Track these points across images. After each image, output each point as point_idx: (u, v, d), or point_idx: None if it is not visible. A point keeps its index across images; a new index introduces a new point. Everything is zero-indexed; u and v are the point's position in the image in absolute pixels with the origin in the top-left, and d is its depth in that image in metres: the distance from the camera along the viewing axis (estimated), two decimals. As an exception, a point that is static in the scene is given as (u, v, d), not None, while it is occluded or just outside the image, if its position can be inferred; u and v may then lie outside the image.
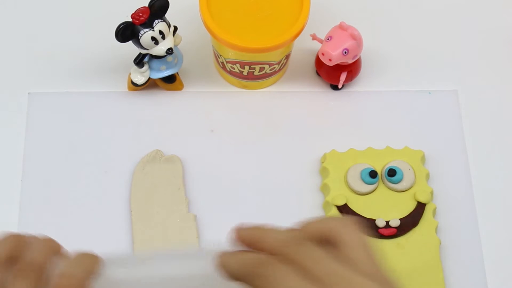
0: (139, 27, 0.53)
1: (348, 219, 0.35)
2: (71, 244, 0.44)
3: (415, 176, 0.56)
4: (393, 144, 0.59)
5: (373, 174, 0.55)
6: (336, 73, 0.59)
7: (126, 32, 0.53)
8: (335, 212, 0.55)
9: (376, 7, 0.66)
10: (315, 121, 0.60)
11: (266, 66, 0.58)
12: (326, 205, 0.56)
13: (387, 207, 0.55)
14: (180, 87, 0.61)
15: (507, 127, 0.61)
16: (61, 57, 0.62)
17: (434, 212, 0.56)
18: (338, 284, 0.32)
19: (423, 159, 0.58)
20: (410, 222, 0.55)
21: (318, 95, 0.62)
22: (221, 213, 0.56)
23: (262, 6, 0.55)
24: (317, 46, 0.60)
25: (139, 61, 0.56)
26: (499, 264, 0.56)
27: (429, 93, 0.62)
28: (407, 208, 0.55)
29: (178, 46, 0.58)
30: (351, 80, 0.60)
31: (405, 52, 0.64)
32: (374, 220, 0.54)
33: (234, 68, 0.58)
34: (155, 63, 0.57)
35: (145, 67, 0.57)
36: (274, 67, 0.59)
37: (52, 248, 0.36)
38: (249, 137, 0.60)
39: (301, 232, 0.35)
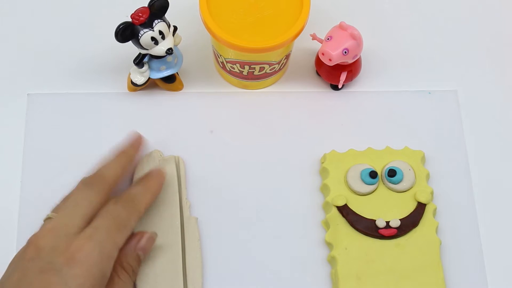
0: (138, 27, 0.53)
1: None
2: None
3: (415, 176, 0.56)
4: (393, 144, 0.59)
5: (373, 174, 0.55)
6: (336, 73, 0.59)
7: (126, 32, 0.53)
8: (335, 212, 0.55)
9: (376, 7, 0.66)
10: (315, 121, 0.60)
11: (266, 66, 0.58)
12: (326, 205, 0.56)
13: (387, 208, 0.55)
14: (180, 87, 0.61)
15: (507, 127, 0.61)
16: (61, 58, 0.62)
17: (435, 213, 0.56)
18: None
19: (423, 159, 0.58)
20: (410, 222, 0.55)
21: (318, 95, 0.61)
22: (221, 213, 0.56)
23: (262, 6, 0.55)
24: (317, 46, 0.60)
25: (139, 61, 0.56)
26: (500, 264, 0.56)
27: (429, 93, 0.62)
28: (407, 208, 0.55)
29: (178, 46, 0.58)
30: (351, 80, 0.60)
31: (405, 52, 0.64)
32: (374, 220, 0.54)
33: (234, 68, 0.58)
34: (155, 63, 0.57)
35: (145, 67, 0.57)
36: (274, 67, 0.59)
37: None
38: (249, 137, 0.60)
39: None
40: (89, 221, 0.47)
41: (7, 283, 0.44)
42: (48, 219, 0.49)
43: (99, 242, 0.45)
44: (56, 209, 0.50)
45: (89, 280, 0.44)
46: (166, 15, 0.54)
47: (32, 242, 0.46)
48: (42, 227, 0.47)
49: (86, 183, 0.50)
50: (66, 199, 0.50)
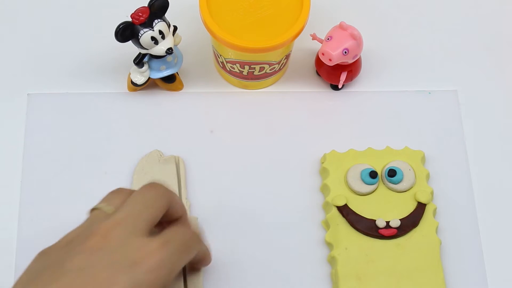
0: (138, 27, 0.53)
1: None
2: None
3: (415, 176, 0.56)
4: (393, 144, 0.59)
5: (373, 174, 0.55)
6: (336, 73, 0.59)
7: (126, 32, 0.53)
8: (335, 212, 0.55)
9: (376, 7, 0.66)
10: (315, 121, 0.60)
11: (266, 66, 0.58)
12: (326, 205, 0.56)
13: (387, 208, 0.55)
14: (180, 87, 0.61)
15: (508, 127, 0.61)
16: (61, 58, 0.62)
17: (435, 213, 0.56)
18: None
19: (423, 159, 0.58)
20: (410, 222, 0.55)
21: (318, 95, 0.61)
22: (221, 213, 0.56)
23: (262, 6, 0.55)
24: (317, 46, 0.60)
25: (139, 61, 0.56)
26: (500, 264, 0.56)
27: (429, 93, 0.62)
28: (408, 208, 0.55)
29: (178, 46, 0.58)
30: (351, 80, 0.60)
31: (405, 52, 0.64)
32: (374, 220, 0.54)
33: (234, 68, 0.58)
34: (154, 63, 0.57)
35: (145, 67, 0.57)
36: (274, 67, 0.59)
37: None
38: (249, 137, 0.60)
39: None
40: (151, 228, 0.44)
41: (67, 264, 0.40)
42: (95, 210, 0.45)
43: (170, 255, 0.42)
44: (110, 201, 0.46)
45: None
46: (166, 15, 0.54)
47: (99, 231, 0.42)
48: (110, 219, 0.43)
49: (157, 186, 0.46)
50: (128, 196, 0.45)
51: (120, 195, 0.46)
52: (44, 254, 0.43)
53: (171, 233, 0.44)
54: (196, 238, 0.47)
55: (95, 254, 0.41)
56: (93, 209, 0.46)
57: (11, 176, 0.57)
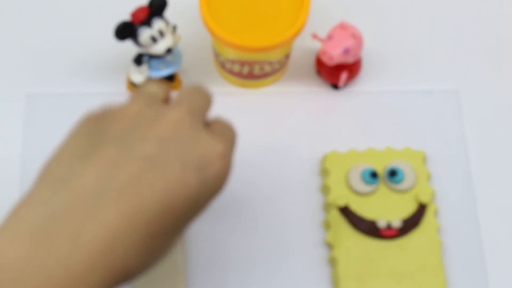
0: (138, 26, 0.53)
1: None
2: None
3: (416, 176, 0.56)
4: (394, 144, 0.58)
5: (374, 174, 0.55)
6: (336, 73, 0.59)
7: (125, 31, 0.53)
8: (336, 213, 0.55)
9: (376, 6, 0.66)
10: (315, 121, 0.60)
11: (266, 65, 0.58)
12: (326, 205, 0.56)
13: (388, 208, 0.55)
14: (179, 87, 0.61)
15: (508, 127, 0.61)
16: (60, 57, 0.62)
17: (436, 213, 0.56)
18: None
19: (424, 159, 0.58)
20: (411, 223, 0.54)
21: (318, 95, 0.61)
22: (221, 213, 0.56)
23: (262, 6, 0.55)
24: (317, 45, 0.60)
25: (139, 60, 0.56)
26: (501, 265, 0.56)
27: (430, 93, 0.62)
28: (408, 209, 0.55)
29: (177, 45, 0.58)
30: (351, 80, 0.60)
31: (406, 52, 0.64)
32: (375, 221, 0.54)
33: (233, 68, 0.58)
34: (154, 62, 0.57)
35: (145, 66, 0.57)
36: (274, 66, 0.58)
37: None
38: (249, 137, 0.59)
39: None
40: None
41: (135, 148, 0.36)
42: (146, 93, 0.41)
43: (230, 160, 0.40)
44: (158, 88, 0.42)
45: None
46: (165, 14, 0.54)
47: (169, 118, 0.38)
48: (177, 107, 0.39)
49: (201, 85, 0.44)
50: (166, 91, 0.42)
51: (160, 87, 0.42)
52: (105, 121, 0.39)
53: (226, 130, 0.41)
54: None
55: (166, 144, 0.37)
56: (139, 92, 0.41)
57: (10, 176, 0.57)
